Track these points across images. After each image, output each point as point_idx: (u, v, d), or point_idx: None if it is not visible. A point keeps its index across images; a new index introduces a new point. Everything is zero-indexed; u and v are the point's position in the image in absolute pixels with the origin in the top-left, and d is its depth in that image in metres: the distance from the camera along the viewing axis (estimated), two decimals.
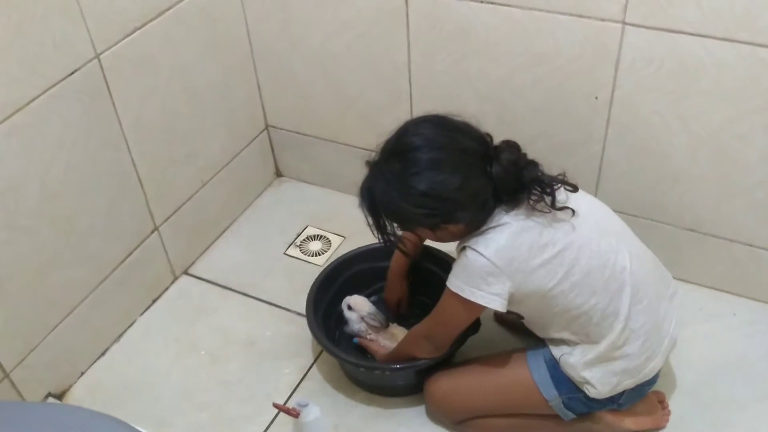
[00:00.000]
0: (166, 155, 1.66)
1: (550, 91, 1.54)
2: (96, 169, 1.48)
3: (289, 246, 1.88)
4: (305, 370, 1.57)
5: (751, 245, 1.56)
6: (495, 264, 1.17)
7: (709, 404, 1.45)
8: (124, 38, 1.45)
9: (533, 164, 1.20)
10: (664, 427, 1.41)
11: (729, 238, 1.57)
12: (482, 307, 1.22)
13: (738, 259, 1.60)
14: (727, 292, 1.66)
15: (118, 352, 1.64)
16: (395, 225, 1.24)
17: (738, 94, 1.38)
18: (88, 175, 1.47)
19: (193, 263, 1.84)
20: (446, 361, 1.54)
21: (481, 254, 1.17)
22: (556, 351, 1.30)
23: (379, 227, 1.23)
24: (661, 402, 1.44)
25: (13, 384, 1.43)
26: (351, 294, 1.60)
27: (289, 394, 1.53)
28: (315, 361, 1.59)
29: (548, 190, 1.18)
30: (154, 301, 1.75)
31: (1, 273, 1.34)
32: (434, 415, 1.46)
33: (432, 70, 1.64)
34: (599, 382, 1.26)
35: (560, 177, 1.22)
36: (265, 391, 1.53)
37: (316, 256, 1.84)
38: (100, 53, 1.40)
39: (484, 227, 1.20)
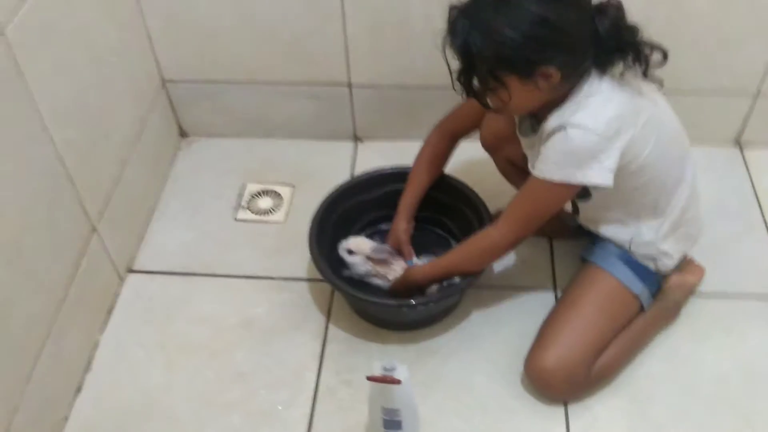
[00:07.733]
0: (86, 137, 1.37)
1: None
2: (25, 173, 1.18)
3: (236, 211, 1.66)
4: (323, 335, 1.42)
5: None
6: (607, 137, 1.09)
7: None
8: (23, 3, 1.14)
9: (634, 28, 1.12)
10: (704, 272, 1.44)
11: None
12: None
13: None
14: None
15: (94, 382, 1.37)
16: (483, 73, 1.10)
17: None
18: (20, 183, 1.17)
19: (134, 257, 1.57)
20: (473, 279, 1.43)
21: (591, 130, 1.09)
22: (623, 235, 1.27)
23: (466, 72, 1.11)
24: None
25: None
26: (344, 236, 1.45)
27: (318, 364, 1.38)
28: (328, 322, 1.44)
29: (643, 57, 1.12)
30: (109, 312, 1.47)
31: None
32: (560, 394, 1.28)
33: None
34: (674, 250, 1.29)
35: (654, 43, 1.13)
36: (291, 370, 1.37)
37: (269, 213, 1.65)
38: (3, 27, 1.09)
39: (577, 96, 1.11)
